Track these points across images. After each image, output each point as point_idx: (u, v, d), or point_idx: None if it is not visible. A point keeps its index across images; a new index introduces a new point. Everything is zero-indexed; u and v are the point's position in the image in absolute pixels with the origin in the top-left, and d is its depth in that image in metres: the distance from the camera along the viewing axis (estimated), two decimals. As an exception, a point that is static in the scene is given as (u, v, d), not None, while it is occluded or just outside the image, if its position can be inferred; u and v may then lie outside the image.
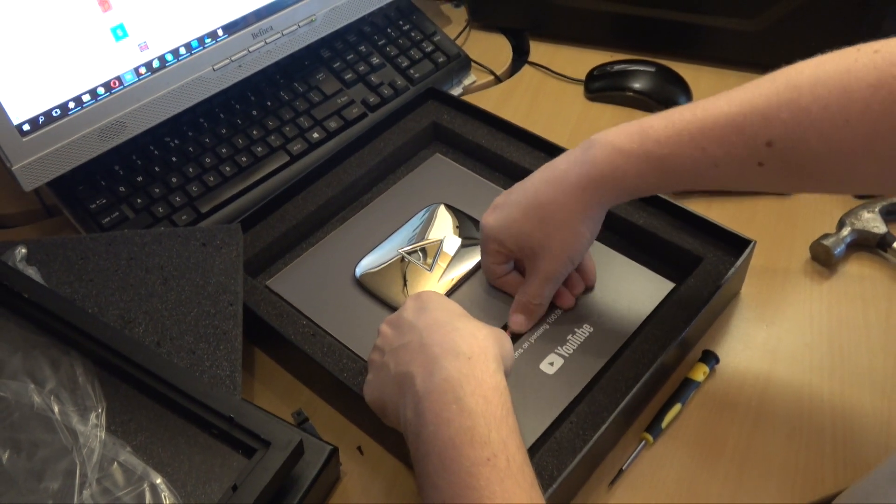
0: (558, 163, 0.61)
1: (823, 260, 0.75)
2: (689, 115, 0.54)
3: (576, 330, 0.68)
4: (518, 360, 0.66)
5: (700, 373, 0.66)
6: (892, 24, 0.87)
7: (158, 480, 0.55)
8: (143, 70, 0.75)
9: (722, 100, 0.54)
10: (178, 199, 0.78)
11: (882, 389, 0.66)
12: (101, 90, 0.73)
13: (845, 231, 0.75)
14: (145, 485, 0.54)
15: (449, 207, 0.78)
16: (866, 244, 0.76)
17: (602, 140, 0.58)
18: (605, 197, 0.60)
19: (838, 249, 0.74)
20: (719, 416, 0.65)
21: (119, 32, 0.73)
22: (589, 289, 0.70)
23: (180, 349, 0.62)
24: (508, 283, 0.69)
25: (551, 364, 0.66)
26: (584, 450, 0.57)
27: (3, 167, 0.77)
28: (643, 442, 0.63)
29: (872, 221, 0.76)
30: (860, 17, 0.87)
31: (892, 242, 0.74)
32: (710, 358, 0.67)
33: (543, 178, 0.62)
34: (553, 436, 0.60)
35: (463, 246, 0.74)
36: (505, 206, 0.65)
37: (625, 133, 0.57)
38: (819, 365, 0.68)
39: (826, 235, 0.75)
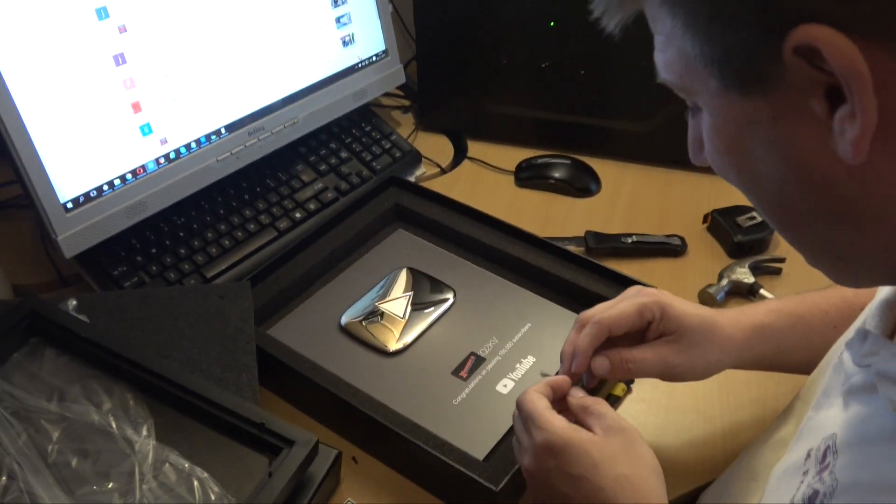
0: None
1: (709, 304, 0.96)
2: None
3: (522, 360, 0.85)
4: (479, 383, 0.83)
5: (620, 390, 0.84)
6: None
7: (205, 475, 0.68)
8: (162, 160, 0.92)
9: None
10: (186, 266, 0.93)
11: (761, 399, 0.85)
12: (129, 176, 0.89)
13: (724, 282, 0.97)
14: (194, 479, 0.68)
15: (411, 270, 0.96)
16: (740, 292, 0.97)
17: None
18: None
19: (719, 296, 0.95)
20: (634, 421, 0.82)
21: (146, 130, 0.90)
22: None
23: (209, 377, 0.76)
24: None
25: (504, 386, 0.83)
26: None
27: (32, 242, 0.91)
28: (579, 442, 0.80)
29: (744, 274, 0.97)
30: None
31: (759, 290, 0.96)
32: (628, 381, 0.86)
33: None
34: (507, 441, 0.77)
35: (424, 299, 0.92)
36: None
37: None
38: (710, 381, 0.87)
39: (710, 285, 0.96)
